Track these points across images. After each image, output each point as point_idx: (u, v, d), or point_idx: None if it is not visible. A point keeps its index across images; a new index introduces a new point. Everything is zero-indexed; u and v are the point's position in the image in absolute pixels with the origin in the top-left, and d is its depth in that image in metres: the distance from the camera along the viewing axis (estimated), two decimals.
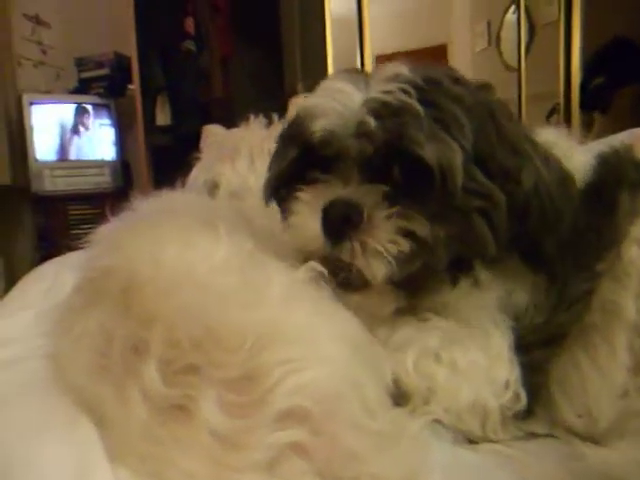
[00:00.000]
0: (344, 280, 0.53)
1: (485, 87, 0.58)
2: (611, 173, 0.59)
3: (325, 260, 0.53)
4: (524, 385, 0.54)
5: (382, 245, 0.50)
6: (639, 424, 0.45)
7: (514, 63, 3.38)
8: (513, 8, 3.41)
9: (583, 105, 3.00)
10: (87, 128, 3.21)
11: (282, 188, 0.60)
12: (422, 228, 0.51)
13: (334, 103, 0.53)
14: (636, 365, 0.51)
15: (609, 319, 0.52)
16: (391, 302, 0.55)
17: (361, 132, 0.51)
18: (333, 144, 0.53)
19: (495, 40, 3.83)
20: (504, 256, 0.55)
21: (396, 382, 0.53)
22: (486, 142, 0.53)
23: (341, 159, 0.54)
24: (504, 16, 3.66)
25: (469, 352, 0.54)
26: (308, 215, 0.54)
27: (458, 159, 0.50)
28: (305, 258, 0.53)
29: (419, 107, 0.50)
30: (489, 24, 3.90)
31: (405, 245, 0.51)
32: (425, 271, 0.53)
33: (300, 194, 0.55)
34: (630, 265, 0.52)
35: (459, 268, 0.55)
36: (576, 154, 0.63)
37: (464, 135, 0.51)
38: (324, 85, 0.56)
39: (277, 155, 0.63)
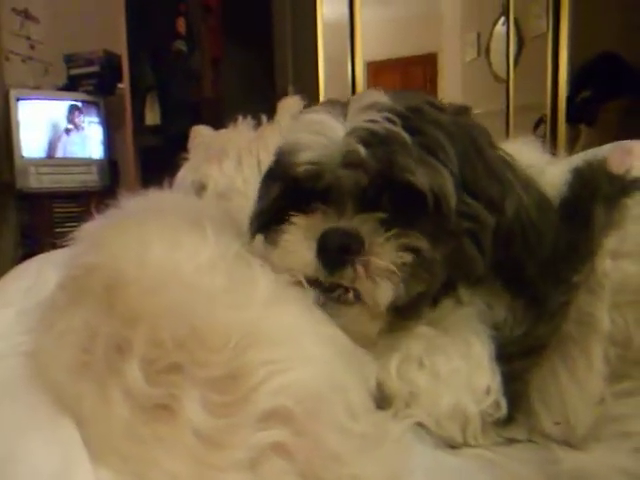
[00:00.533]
0: (339, 297, 0.52)
1: (463, 110, 0.58)
2: (585, 187, 0.60)
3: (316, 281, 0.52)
4: (505, 393, 0.54)
5: (388, 266, 0.50)
6: (614, 429, 0.46)
7: (503, 74, 3.43)
8: (503, 20, 3.45)
9: (569, 117, 3.05)
10: (75, 125, 3.18)
11: (269, 223, 0.58)
12: (422, 243, 0.51)
13: (317, 136, 0.53)
14: (612, 373, 0.52)
15: (585, 331, 0.54)
16: (380, 322, 0.55)
17: (351, 162, 0.51)
18: (324, 176, 0.53)
19: (485, 51, 3.88)
20: (487, 278, 0.56)
21: (379, 386, 0.53)
22: (470, 168, 0.53)
23: (332, 191, 0.53)
24: (494, 27, 3.71)
25: (451, 359, 0.55)
26: (301, 241, 0.53)
27: (449, 183, 0.51)
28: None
29: (405, 135, 0.50)
30: (479, 35, 3.94)
31: (409, 258, 0.50)
32: (423, 294, 0.53)
33: (294, 219, 0.54)
34: (604, 277, 0.54)
35: (443, 289, 0.56)
36: (549, 168, 0.64)
37: (450, 160, 0.52)
38: (303, 119, 0.56)
39: (262, 192, 0.62)
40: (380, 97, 0.53)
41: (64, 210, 3.06)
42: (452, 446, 0.55)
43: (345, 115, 0.53)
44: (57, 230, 2.95)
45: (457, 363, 0.55)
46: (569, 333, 0.55)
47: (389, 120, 0.51)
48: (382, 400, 0.54)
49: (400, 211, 0.51)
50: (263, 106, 1.05)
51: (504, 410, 0.54)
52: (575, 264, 0.55)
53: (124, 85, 3.01)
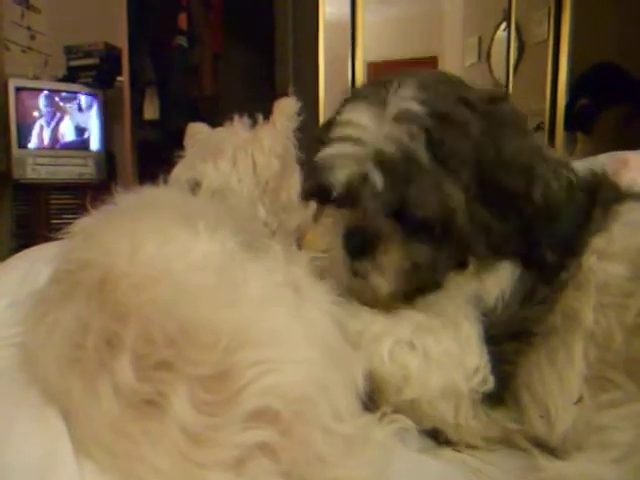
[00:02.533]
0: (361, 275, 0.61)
1: (497, 99, 0.61)
2: (588, 193, 0.62)
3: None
4: (493, 372, 0.56)
5: (391, 267, 0.59)
6: (597, 439, 0.47)
7: (503, 79, 3.43)
8: (504, 25, 3.46)
9: (567, 125, 3.06)
10: (73, 117, 3.17)
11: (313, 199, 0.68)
12: (422, 259, 0.58)
13: (348, 149, 0.58)
14: (593, 377, 0.53)
15: (569, 324, 0.55)
16: (390, 296, 0.61)
17: (369, 188, 0.57)
18: (348, 192, 0.60)
19: (485, 56, 3.88)
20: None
21: (371, 374, 0.54)
22: (490, 171, 0.56)
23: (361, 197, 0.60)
24: (495, 33, 3.71)
25: (441, 341, 0.57)
26: (332, 232, 0.63)
27: (460, 207, 0.55)
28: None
29: (423, 154, 0.55)
30: (480, 39, 3.94)
31: (408, 266, 0.58)
32: (420, 288, 0.60)
33: (326, 212, 0.65)
34: (589, 273, 0.55)
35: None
36: None
37: (468, 171, 0.55)
38: (342, 119, 0.60)
39: (306, 174, 0.73)
40: (412, 103, 0.56)
41: (60, 202, 3.05)
42: (437, 449, 0.56)
43: (381, 116, 0.57)
44: (53, 221, 2.95)
45: (447, 344, 0.57)
46: (555, 325, 0.56)
47: (412, 136, 0.55)
48: (373, 392, 0.55)
49: (413, 226, 0.57)
50: (262, 104, 1.04)
51: (491, 384, 0.56)
52: (564, 261, 0.58)
53: (123, 78, 2.99)
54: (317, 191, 0.65)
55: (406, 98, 0.57)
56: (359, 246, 0.60)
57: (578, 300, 0.55)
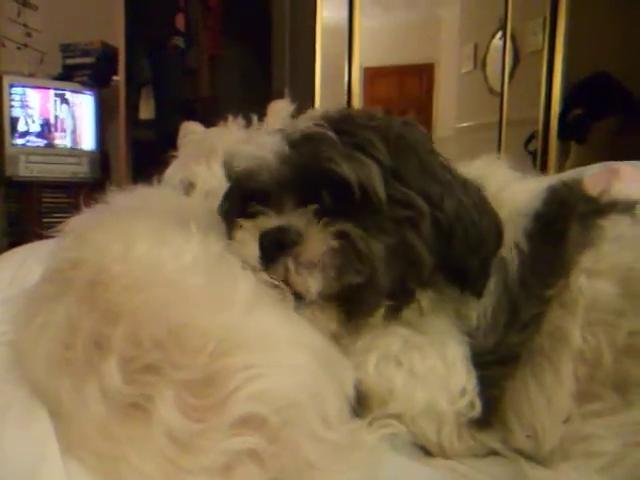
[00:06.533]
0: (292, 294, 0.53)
1: (408, 123, 0.60)
2: (562, 205, 0.61)
3: None
4: (481, 396, 0.55)
5: (316, 255, 0.52)
6: (582, 449, 0.47)
7: (498, 87, 3.46)
8: (500, 34, 3.48)
9: (560, 134, 3.08)
10: (68, 116, 3.16)
11: (229, 222, 0.61)
12: (349, 227, 0.52)
13: (254, 145, 0.57)
14: (579, 392, 0.52)
15: (556, 345, 0.54)
16: (333, 318, 0.55)
17: (280, 160, 0.54)
18: (258, 176, 0.56)
19: (481, 63, 3.90)
20: (437, 280, 0.57)
21: (358, 385, 0.54)
22: (405, 165, 0.54)
23: (273, 190, 0.56)
24: (491, 41, 3.74)
25: (428, 358, 0.56)
26: (248, 242, 0.55)
27: (375, 172, 0.52)
28: None
29: (332, 134, 0.53)
30: (476, 47, 3.97)
31: (335, 244, 0.52)
32: (365, 287, 0.53)
33: (241, 223, 0.57)
34: (579, 294, 0.54)
35: (400, 297, 0.56)
36: (512, 184, 0.65)
37: (380, 153, 0.53)
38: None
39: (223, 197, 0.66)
40: (318, 112, 0.57)
41: (53, 200, 3.04)
42: (427, 455, 0.56)
43: (284, 134, 0.56)
44: (45, 220, 2.93)
45: (433, 362, 0.56)
46: (541, 346, 0.55)
47: (318, 124, 0.54)
48: (359, 401, 0.54)
49: (334, 202, 0.53)
50: (258, 106, 1.04)
51: (478, 410, 0.55)
52: (547, 279, 0.57)
53: (119, 77, 2.99)
54: (229, 206, 0.62)
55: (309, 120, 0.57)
56: (275, 244, 0.53)
57: (564, 319, 0.54)
